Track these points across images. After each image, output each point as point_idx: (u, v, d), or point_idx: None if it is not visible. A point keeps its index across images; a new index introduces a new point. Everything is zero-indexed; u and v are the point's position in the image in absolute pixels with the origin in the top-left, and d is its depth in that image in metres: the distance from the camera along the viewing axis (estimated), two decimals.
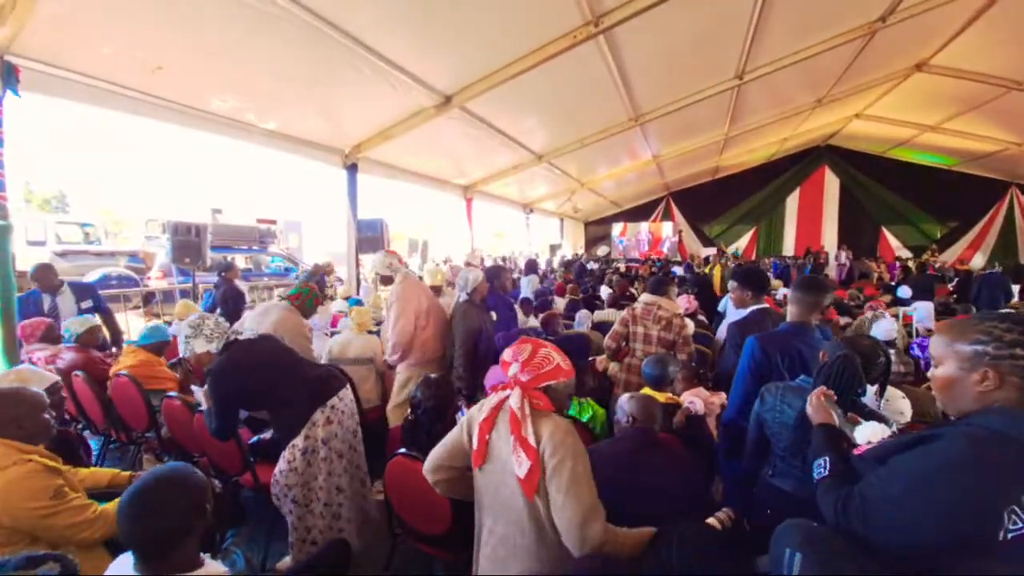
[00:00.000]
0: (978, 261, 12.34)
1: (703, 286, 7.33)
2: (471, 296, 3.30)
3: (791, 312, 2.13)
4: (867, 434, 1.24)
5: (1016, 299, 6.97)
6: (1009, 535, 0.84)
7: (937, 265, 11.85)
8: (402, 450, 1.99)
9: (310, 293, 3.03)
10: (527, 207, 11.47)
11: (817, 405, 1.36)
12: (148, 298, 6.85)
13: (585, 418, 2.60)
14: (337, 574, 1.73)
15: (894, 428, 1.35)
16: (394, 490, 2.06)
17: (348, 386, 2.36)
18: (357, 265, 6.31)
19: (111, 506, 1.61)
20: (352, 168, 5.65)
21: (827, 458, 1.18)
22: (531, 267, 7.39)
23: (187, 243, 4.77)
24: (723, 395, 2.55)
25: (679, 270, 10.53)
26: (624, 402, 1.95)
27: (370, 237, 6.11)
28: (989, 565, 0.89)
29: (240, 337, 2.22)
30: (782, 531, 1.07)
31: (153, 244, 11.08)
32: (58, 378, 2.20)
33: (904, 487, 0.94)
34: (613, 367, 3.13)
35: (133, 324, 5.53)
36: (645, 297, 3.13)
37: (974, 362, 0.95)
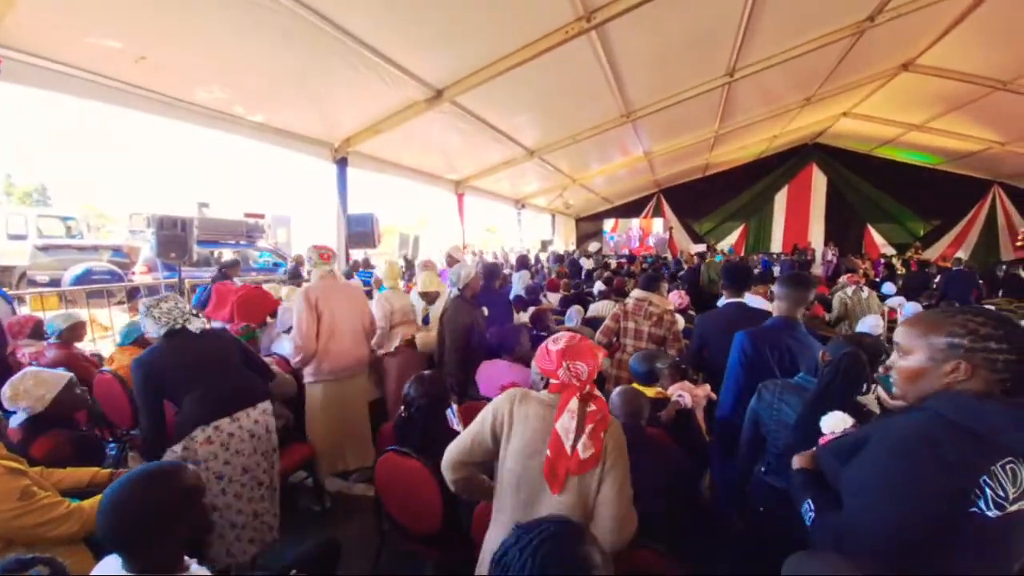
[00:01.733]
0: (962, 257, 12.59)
1: (694, 282, 7.41)
2: (463, 292, 3.29)
3: (778, 307, 2.16)
4: (831, 424, 1.26)
5: (986, 295, 7.09)
6: (971, 511, 0.87)
7: (917, 259, 12.12)
8: (393, 446, 1.99)
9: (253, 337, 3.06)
10: (519, 203, 11.45)
11: (804, 458, 1.31)
12: (132, 293, 6.73)
13: None
14: (326, 573, 1.72)
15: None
16: (384, 487, 2.06)
17: (261, 408, 2.25)
18: (347, 260, 6.26)
19: (87, 502, 1.59)
20: (342, 162, 5.59)
21: (810, 500, 1.16)
22: (522, 263, 7.39)
23: (172, 237, 4.69)
24: (707, 387, 2.58)
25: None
26: (612, 398, 1.96)
27: (360, 232, 6.05)
28: (949, 552, 0.91)
29: (188, 327, 2.11)
30: None
31: (137, 238, 10.86)
32: (71, 375, 2.18)
33: (871, 497, 0.98)
34: (604, 363, 3.15)
35: (117, 320, 5.43)
36: (636, 293, 3.15)
37: (947, 354, 0.97)
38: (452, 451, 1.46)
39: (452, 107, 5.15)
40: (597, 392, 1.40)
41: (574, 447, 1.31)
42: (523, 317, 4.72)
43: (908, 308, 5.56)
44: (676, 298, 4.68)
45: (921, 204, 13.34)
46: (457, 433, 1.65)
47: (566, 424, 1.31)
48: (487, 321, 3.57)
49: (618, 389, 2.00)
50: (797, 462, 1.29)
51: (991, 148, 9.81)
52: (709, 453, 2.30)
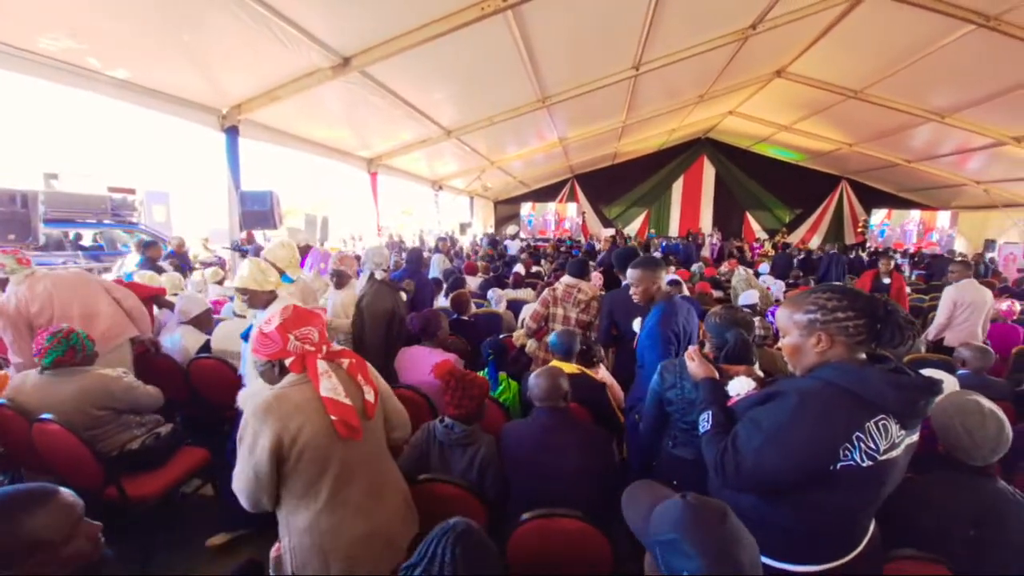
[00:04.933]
0: (815, 242, 14.91)
1: (608, 265, 7.87)
2: (381, 277, 3.14)
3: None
4: (737, 387, 1.41)
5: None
6: (839, 466, 1.03)
7: (783, 242, 14.18)
8: None
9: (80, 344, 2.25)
10: (436, 184, 11.16)
11: (699, 362, 1.49)
12: None
13: (498, 391, 2.64)
14: None
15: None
16: None
17: None
18: (242, 241, 5.63)
19: None
20: (232, 131, 4.96)
21: (711, 412, 1.32)
22: (438, 246, 7.26)
23: (10, 215, 3.83)
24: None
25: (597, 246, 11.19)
26: (533, 379, 1.95)
27: (257, 212, 5.44)
28: (825, 493, 1.09)
29: None
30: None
31: None
32: None
33: (763, 440, 1.11)
34: (531, 344, 3.20)
35: None
36: (567, 279, 3.18)
37: (809, 329, 1.14)
38: (251, 492, 1.35)
39: (362, 78, 4.80)
40: (335, 346, 1.52)
41: (363, 398, 1.45)
42: (442, 301, 4.65)
43: (775, 287, 6.47)
44: (595, 278, 4.95)
45: (787, 195, 15.55)
46: None
47: (329, 386, 1.37)
48: (412, 306, 3.45)
49: (536, 372, 1.98)
50: (699, 373, 1.46)
51: (841, 148, 11.60)
52: (621, 427, 2.45)
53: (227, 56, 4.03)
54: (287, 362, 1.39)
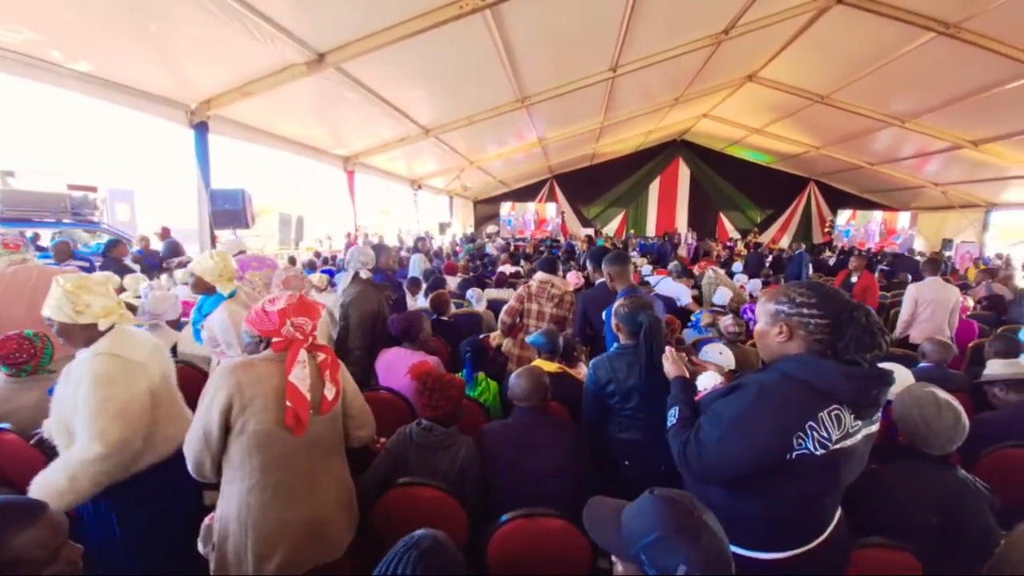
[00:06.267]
0: (785, 242, 15.39)
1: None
2: (367, 276, 3.09)
3: (620, 283, 2.58)
4: (705, 382, 1.46)
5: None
6: (794, 455, 1.07)
7: (755, 242, 14.59)
8: None
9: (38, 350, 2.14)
10: (415, 183, 11.04)
11: (673, 361, 1.55)
12: None
13: (477, 392, 2.63)
14: None
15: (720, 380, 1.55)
16: None
17: None
18: (213, 242, 5.46)
19: None
20: (201, 127, 4.79)
21: (677, 408, 1.37)
22: (418, 246, 7.19)
23: None
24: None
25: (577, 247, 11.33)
26: (513, 379, 1.97)
27: (229, 211, 5.27)
28: (784, 482, 1.13)
29: None
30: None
31: None
32: None
33: (724, 430, 1.16)
34: (507, 343, 3.21)
35: None
36: (540, 276, 3.23)
37: (775, 318, 1.19)
38: (197, 453, 1.40)
39: (338, 74, 4.71)
40: (320, 342, 1.55)
41: (322, 394, 1.47)
42: (422, 301, 4.61)
43: (751, 284, 6.65)
44: (573, 278, 4.97)
45: (758, 196, 16.00)
46: None
47: (300, 374, 1.42)
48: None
49: (517, 372, 1.99)
50: (672, 371, 1.53)
51: (809, 152, 12.00)
52: None
53: (196, 50, 3.89)
54: (274, 341, 1.45)
